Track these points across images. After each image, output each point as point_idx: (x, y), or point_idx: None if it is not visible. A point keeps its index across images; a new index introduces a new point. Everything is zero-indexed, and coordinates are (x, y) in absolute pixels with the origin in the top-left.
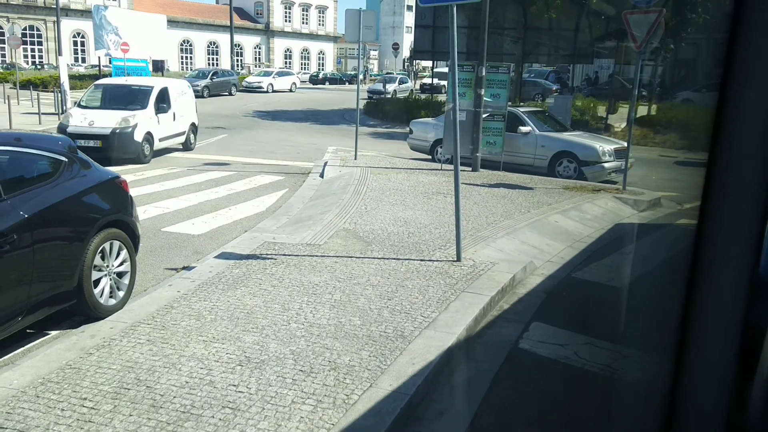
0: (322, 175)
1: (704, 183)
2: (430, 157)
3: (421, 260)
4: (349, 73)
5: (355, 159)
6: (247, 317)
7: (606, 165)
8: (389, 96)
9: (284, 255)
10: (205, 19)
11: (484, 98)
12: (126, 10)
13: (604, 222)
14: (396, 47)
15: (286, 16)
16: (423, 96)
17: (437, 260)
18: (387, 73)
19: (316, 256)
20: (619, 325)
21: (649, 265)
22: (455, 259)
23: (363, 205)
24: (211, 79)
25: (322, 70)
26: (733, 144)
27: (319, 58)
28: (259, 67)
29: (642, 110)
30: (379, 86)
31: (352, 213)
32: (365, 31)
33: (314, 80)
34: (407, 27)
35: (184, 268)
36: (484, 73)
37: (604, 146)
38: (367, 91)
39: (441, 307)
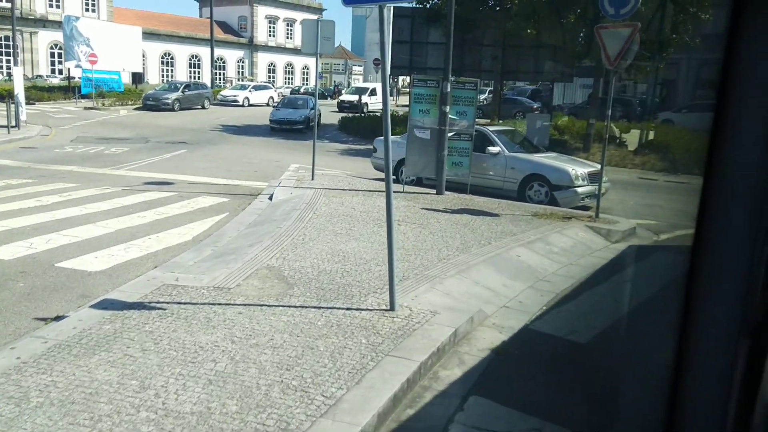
0: (271, 198)
1: (699, 204)
2: (394, 177)
3: (348, 309)
4: (330, 87)
5: (312, 179)
6: (85, 401)
7: (579, 190)
8: (360, 106)
9: (179, 303)
10: (187, 33)
11: (450, 116)
12: (98, 21)
13: (572, 256)
14: (377, 62)
15: (270, 31)
16: (401, 112)
17: (367, 309)
18: (357, 87)
19: (219, 304)
20: (579, 403)
21: (622, 311)
22: (388, 307)
23: (302, 235)
24: (182, 92)
25: (306, 84)
26: (729, 166)
27: (303, 72)
28: (242, 81)
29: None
30: (353, 97)
31: (286, 245)
32: (323, 43)
33: (296, 94)
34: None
35: (56, 318)
36: (449, 89)
37: (578, 169)
38: (338, 102)
39: (352, 381)
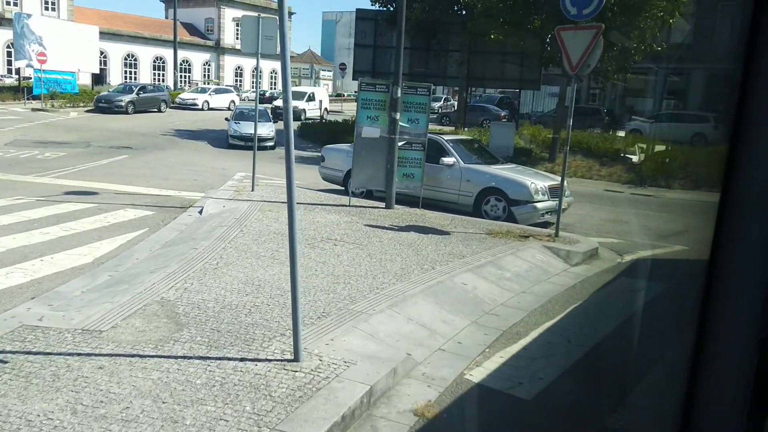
0: (201, 212)
1: (716, 218)
2: (343, 188)
3: (242, 359)
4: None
5: (252, 190)
6: None
7: (539, 205)
8: (297, 113)
9: (29, 353)
10: (151, 34)
11: (401, 123)
12: (51, 19)
13: (526, 282)
14: (343, 67)
15: (237, 34)
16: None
17: (266, 359)
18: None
19: (80, 354)
20: None
21: (573, 357)
22: (292, 357)
23: (217, 259)
24: (137, 94)
25: (274, 88)
26: (746, 181)
27: (272, 76)
28: (208, 84)
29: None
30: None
31: (194, 271)
32: (264, 42)
33: (261, 99)
34: None
35: None
36: (399, 94)
37: (537, 183)
38: (272, 108)
39: None
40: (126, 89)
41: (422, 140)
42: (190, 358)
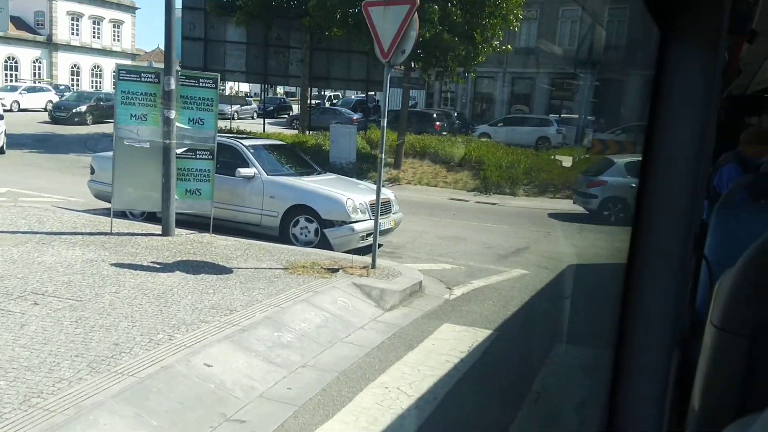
0: None
1: (634, 214)
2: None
3: None
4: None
5: None
6: None
7: (357, 226)
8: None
9: None
10: None
11: (179, 124)
12: None
13: (313, 347)
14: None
15: (73, 29)
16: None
17: None
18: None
19: None
20: None
21: None
22: None
23: None
24: None
25: (99, 87)
26: (657, 181)
27: (93, 73)
28: (40, 83)
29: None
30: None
31: None
32: None
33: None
34: None
35: None
36: (173, 86)
37: (356, 198)
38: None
39: None
40: None
41: (210, 146)
42: None
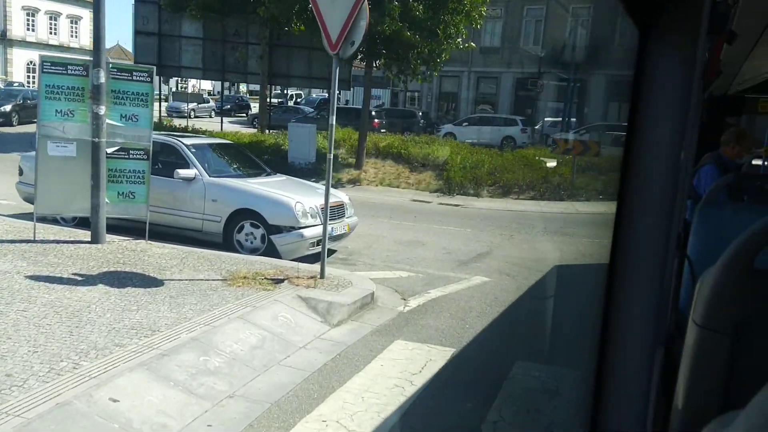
0: None
1: (616, 213)
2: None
3: None
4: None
5: None
6: None
7: (306, 232)
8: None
9: None
10: None
11: (110, 121)
12: None
13: (245, 372)
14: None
15: (28, 24)
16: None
17: None
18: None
19: None
20: None
21: None
22: None
23: None
24: None
25: (30, 85)
26: (642, 184)
27: (28, 68)
28: None
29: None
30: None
31: None
32: None
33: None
34: None
35: None
36: (102, 80)
37: (305, 202)
38: None
39: None
40: None
41: (144, 145)
42: None
